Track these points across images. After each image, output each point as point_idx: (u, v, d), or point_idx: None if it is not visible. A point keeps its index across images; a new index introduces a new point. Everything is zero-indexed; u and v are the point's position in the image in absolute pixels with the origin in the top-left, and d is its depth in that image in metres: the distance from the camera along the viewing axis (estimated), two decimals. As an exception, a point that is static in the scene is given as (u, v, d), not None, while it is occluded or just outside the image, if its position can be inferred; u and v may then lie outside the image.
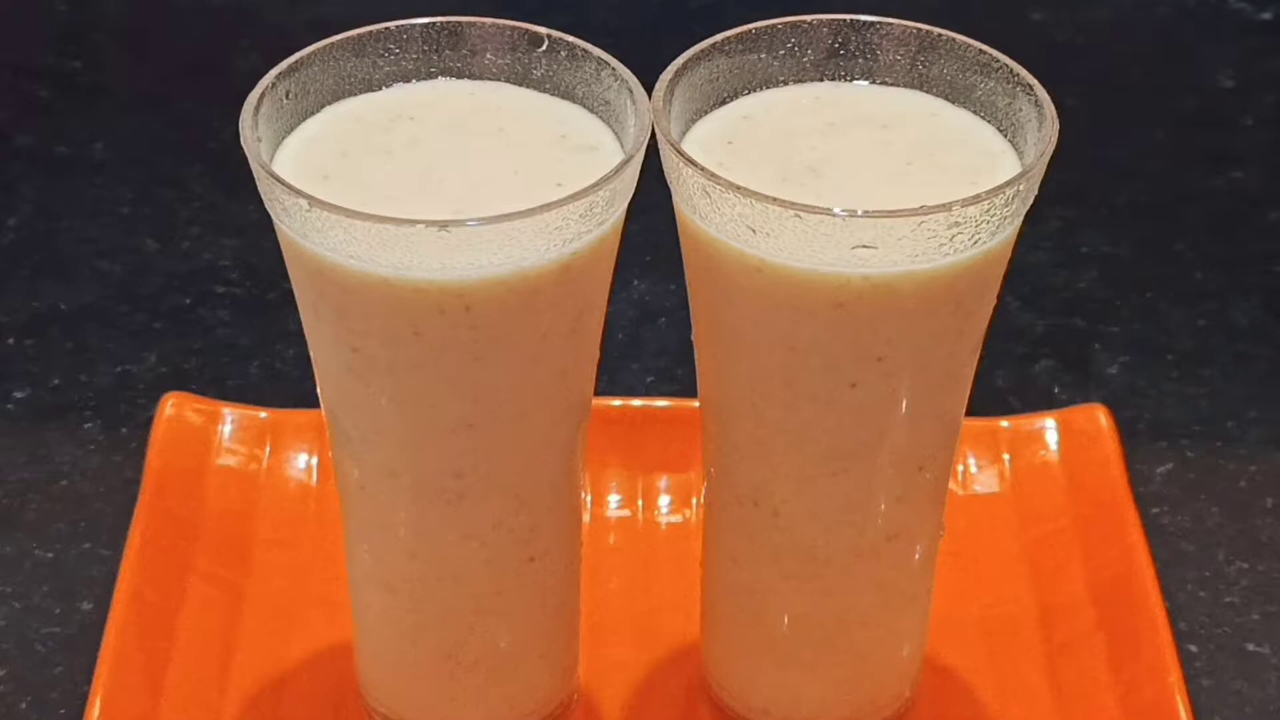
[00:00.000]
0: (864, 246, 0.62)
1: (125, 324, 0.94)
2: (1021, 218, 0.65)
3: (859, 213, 0.61)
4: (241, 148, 0.63)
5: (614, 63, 0.66)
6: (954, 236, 0.62)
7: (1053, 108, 0.65)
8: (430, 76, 0.68)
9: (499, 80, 0.68)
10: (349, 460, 0.68)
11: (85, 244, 0.99)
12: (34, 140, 1.06)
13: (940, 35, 0.68)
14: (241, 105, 0.64)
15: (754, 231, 0.62)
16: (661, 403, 0.86)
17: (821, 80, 0.69)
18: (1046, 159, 0.64)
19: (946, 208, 0.61)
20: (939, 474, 0.70)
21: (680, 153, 0.63)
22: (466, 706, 0.73)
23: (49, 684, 0.77)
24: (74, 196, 1.02)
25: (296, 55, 0.66)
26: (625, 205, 0.64)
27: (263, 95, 0.65)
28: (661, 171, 0.65)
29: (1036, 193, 0.65)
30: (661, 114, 0.64)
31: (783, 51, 0.68)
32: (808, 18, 0.68)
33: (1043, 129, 0.64)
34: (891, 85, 0.68)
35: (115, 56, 1.13)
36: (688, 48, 0.67)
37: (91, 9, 1.16)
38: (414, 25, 0.68)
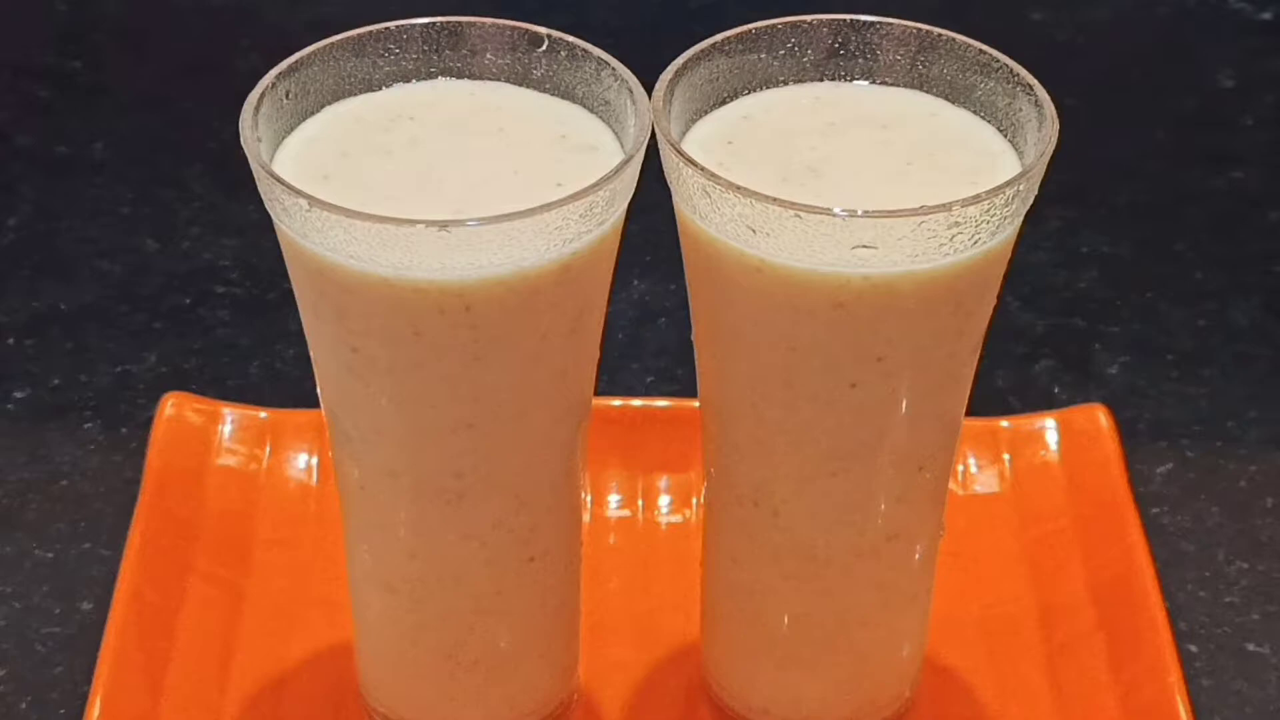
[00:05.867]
0: (864, 246, 0.62)
1: (125, 324, 0.94)
2: (1021, 218, 0.65)
3: (859, 213, 0.61)
4: (241, 148, 0.63)
5: (614, 63, 0.66)
6: (954, 236, 0.62)
7: (1053, 108, 0.65)
8: (430, 76, 0.68)
9: (499, 80, 0.68)
10: (349, 460, 0.68)
11: (85, 244, 0.99)
12: (34, 140, 1.06)
13: (940, 35, 0.68)
14: (241, 105, 0.64)
15: (754, 231, 0.62)
16: (661, 403, 0.86)
17: (821, 80, 0.69)
18: (1046, 159, 0.64)
19: (946, 208, 0.61)
20: (939, 474, 0.70)
21: (680, 153, 0.63)
22: (466, 706, 0.73)
23: (49, 684, 0.77)
24: (74, 196, 1.02)
25: (296, 55, 0.66)
26: (625, 205, 0.64)
27: (263, 95, 0.65)
28: (661, 171, 0.65)
29: (1036, 193, 0.65)
30: (661, 114, 0.64)
31: (783, 51, 0.68)
32: (808, 18, 0.68)
33: (1043, 129, 0.64)
34: (891, 85, 0.69)
35: (115, 56, 1.13)
36: (688, 48, 0.67)
37: (91, 9, 1.16)
38: (414, 25, 0.68)
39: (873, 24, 0.68)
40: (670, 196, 0.66)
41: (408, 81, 0.68)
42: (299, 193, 0.61)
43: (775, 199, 0.61)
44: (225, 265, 0.98)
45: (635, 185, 0.64)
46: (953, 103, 0.68)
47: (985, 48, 0.67)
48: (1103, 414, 0.84)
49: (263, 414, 0.85)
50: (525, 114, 0.67)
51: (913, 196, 0.63)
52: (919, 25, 0.68)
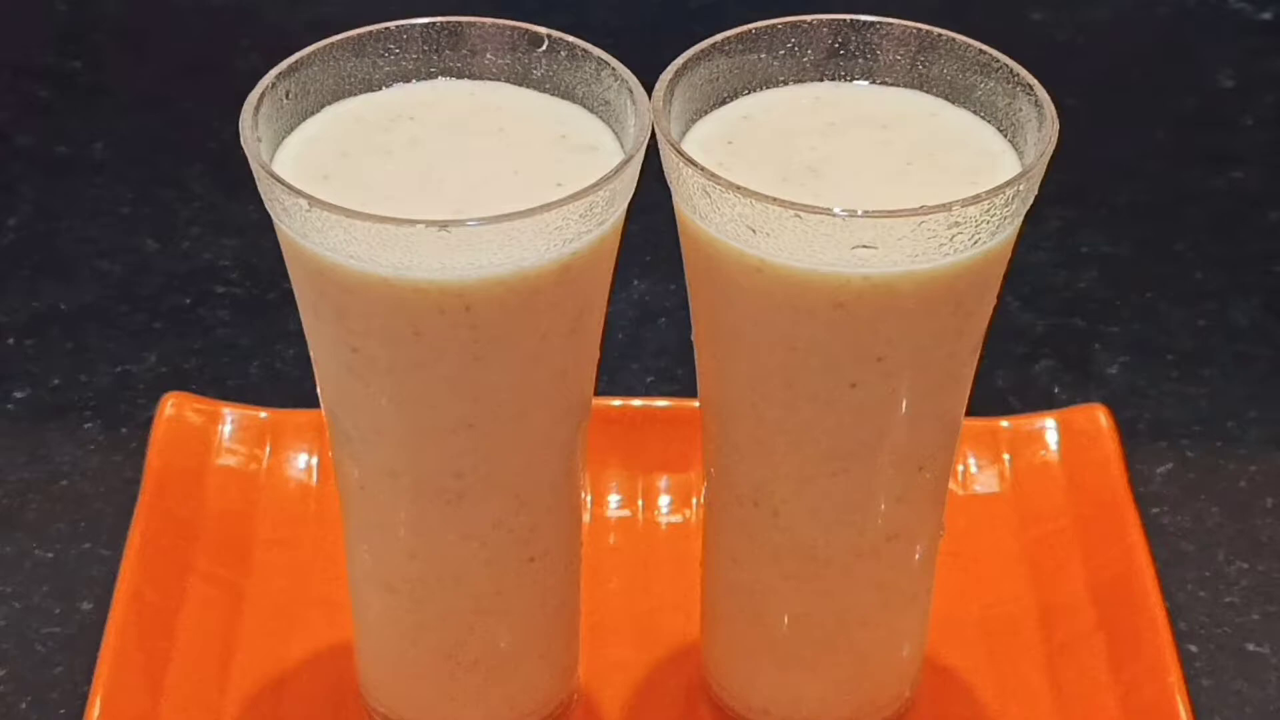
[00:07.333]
0: (864, 246, 0.62)
1: (125, 324, 0.94)
2: (1021, 218, 0.65)
3: (859, 213, 0.61)
4: (241, 148, 0.63)
5: (614, 63, 0.66)
6: (954, 236, 0.62)
7: (1053, 108, 0.65)
8: (430, 76, 0.68)
9: (499, 80, 0.68)
10: (349, 460, 0.68)
11: (85, 244, 0.99)
12: (34, 140, 1.06)
13: (940, 35, 0.68)
14: (241, 105, 0.64)
15: (754, 231, 0.62)
16: (661, 403, 0.86)
17: (821, 80, 0.69)
18: (1046, 159, 0.64)
19: (946, 208, 0.61)
20: (939, 474, 0.70)
21: (680, 153, 0.63)
22: (466, 706, 0.73)
23: (49, 684, 0.77)
24: (74, 196, 1.02)
25: (296, 55, 0.66)
26: (625, 205, 0.64)
27: (263, 95, 0.65)
28: (661, 171, 0.65)
29: (1036, 193, 0.65)
30: (661, 114, 0.64)
31: (783, 51, 0.68)
32: (808, 18, 0.68)
33: (1043, 129, 0.64)
34: (891, 85, 0.69)
35: (115, 56, 1.13)
36: (688, 48, 0.67)
37: (91, 9, 1.16)
38: (414, 25, 0.68)
39: (873, 24, 0.68)
40: (670, 196, 0.66)
41: (408, 81, 0.68)
42: (299, 193, 0.61)
43: (775, 199, 0.61)
44: (225, 265, 0.98)
45: (635, 185, 0.64)
46: (953, 103, 0.68)
47: (985, 48, 0.67)
48: (1103, 414, 0.84)
49: (263, 414, 0.85)
50: (525, 114, 0.67)
51: (913, 196, 0.63)
52: (919, 25, 0.68)
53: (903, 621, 0.73)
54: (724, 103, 0.68)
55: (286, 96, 0.66)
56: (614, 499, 0.83)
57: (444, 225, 0.60)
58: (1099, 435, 0.83)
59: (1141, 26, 1.17)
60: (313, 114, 0.67)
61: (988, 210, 0.62)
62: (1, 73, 1.11)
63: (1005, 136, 0.67)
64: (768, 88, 0.69)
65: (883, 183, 0.65)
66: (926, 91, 0.68)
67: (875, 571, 0.71)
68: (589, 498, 0.82)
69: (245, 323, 0.95)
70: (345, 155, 0.65)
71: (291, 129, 0.66)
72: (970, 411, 0.70)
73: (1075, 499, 0.82)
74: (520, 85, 0.68)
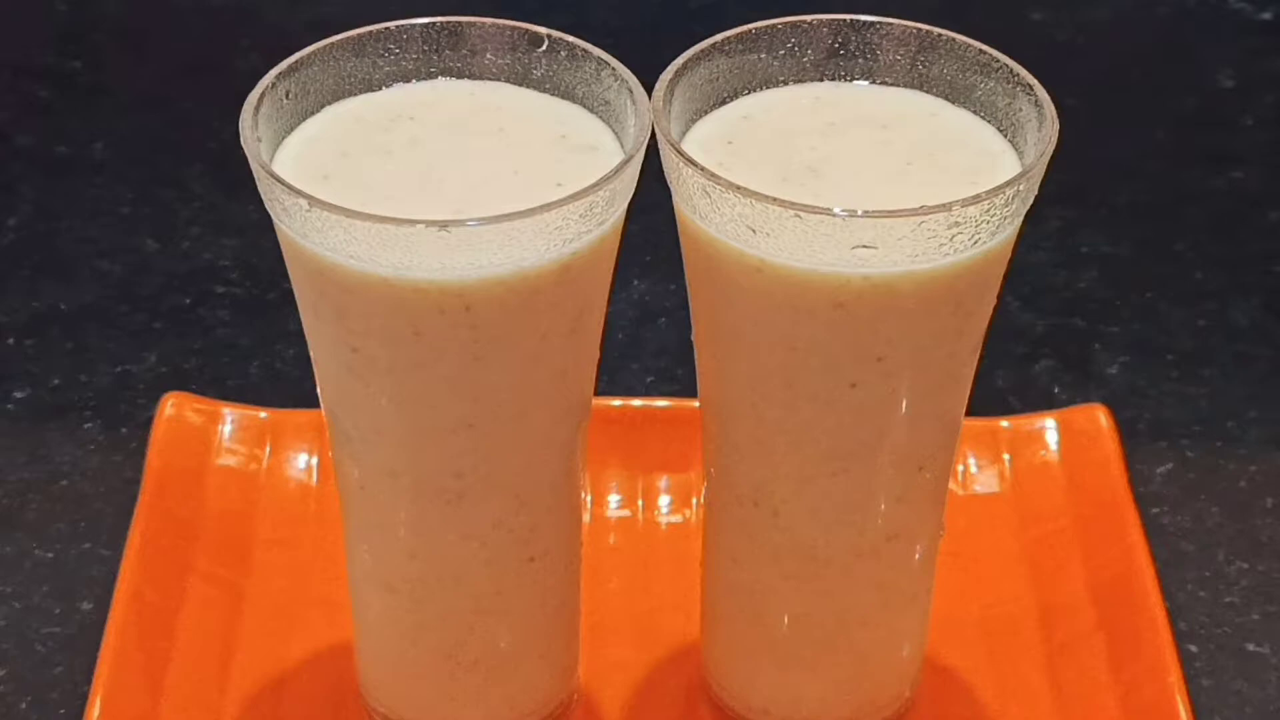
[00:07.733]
0: (864, 246, 0.62)
1: (125, 324, 0.94)
2: (1021, 218, 0.65)
3: (859, 213, 0.61)
4: (241, 148, 0.63)
5: (614, 63, 0.66)
6: (954, 236, 0.62)
7: (1053, 108, 0.65)
8: (430, 76, 0.68)
9: (499, 80, 0.68)
10: (349, 460, 0.68)
11: (85, 244, 0.99)
12: (34, 140, 1.06)
13: (940, 35, 0.68)
14: (241, 105, 0.64)
15: (754, 231, 0.62)
16: (661, 403, 0.86)
17: (821, 80, 0.69)
18: (1046, 159, 0.64)
19: (946, 208, 0.61)
20: (939, 474, 0.70)
21: (680, 153, 0.63)
22: (466, 706, 0.73)
23: (49, 684, 0.77)
24: (74, 196, 1.02)
25: (296, 55, 0.66)
26: (625, 205, 0.64)
27: (263, 95, 0.65)
28: (661, 171, 0.65)
29: (1036, 193, 0.65)
30: (661, 114, 0.64)
31: (783, 51, 0.68)
32: (808, 18, 0.68)
33: (1043, 129, 0.64)
34: (891, 85, 0.69)
35: (115, 56, 1.13)
36: (688, 48, 0.67)
37: (91, 9, 1.16)
38: (414, 25, 0.68)
39: (873, 24, 0.68)
40: (670, 196, 0.66)
41: (408, 81, 0.68)
42: (299, 193, 0.61)
43: (775, 199, 0.61)
44: (225, 265, 0.98)
45: (635, 185, 0.64)
46: (953, 103, 0.68)
47: (985, 48, 0.67)
48: (1103, 414, 0.84)
49: (263, 414, 0.85)
50: (525, 114, 0.67)
51: (913, 196, 0.63)
52: (919, 25, 0.68)
53: (903, 621, 0.73)
54: (724, 103, 0.68)
55: (286, 96, 0.66)
56: (614, 499, 0.83)
57: (444, 225, 0.60)
58: (1099, 435, 0.83)
59: (1141, 26, 1.17)
60: (313, 114, 0.67)
61: (988, 210, 0.62)
62: (1, 73, 1.11)
63: (1005, 136, 0.67)
64: (768, 88, 0.69)
65: (883, 183, 0.65)
66: (926, 91, 0.68)
67: (875, 571, 0.71)
68: (589, 498, 0.82)
69: (245, 323, 0.95)
70: (345, 155, 0.65)
71: (291, 129, 0.66)
72: (970, 411, 0.70)
73: (1075, 499, 0.82)
74: (520, 85, 0.68)
